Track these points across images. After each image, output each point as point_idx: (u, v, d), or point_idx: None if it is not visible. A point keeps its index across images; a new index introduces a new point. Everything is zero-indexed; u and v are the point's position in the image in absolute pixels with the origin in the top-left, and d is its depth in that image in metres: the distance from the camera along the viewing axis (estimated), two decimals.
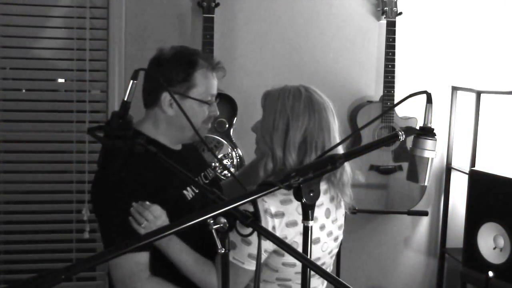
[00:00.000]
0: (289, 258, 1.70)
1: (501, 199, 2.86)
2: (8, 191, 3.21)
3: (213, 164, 2.89)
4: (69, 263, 0.99)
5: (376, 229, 3.53)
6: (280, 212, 1.67)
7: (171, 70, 1.81)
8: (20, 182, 3.21)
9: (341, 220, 1.87)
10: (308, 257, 1.21)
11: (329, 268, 1.91)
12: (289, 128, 1.72)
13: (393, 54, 3.19)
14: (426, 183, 1.40)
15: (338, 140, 1.77)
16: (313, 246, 1.31)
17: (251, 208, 1.19)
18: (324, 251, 1.79)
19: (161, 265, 1.76)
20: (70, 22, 3.11)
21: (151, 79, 1.84)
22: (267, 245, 1.68)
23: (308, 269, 1.25)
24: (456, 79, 3.44)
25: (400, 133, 1.33)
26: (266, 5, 3.25)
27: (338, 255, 2.42)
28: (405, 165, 3.20)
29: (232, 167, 3.07)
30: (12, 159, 3.20)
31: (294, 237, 1.68)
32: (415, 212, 2.74)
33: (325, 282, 1.92)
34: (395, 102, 3.20)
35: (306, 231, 1.23)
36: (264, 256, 1.70)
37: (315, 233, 1.72)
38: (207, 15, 3.01)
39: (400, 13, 3.22)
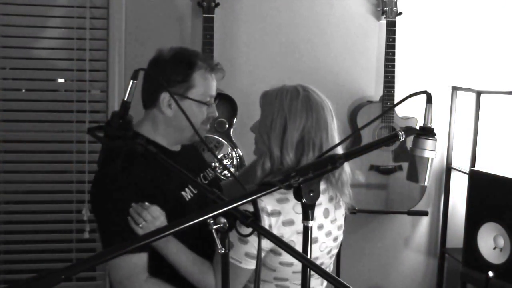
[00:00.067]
0: (286, 257, 1.70)
1: (501, 199, 2.86)
2: (8, 191, 3.21)
3: (213, 164, 2.89)
4: (69, 263, 0.98)
5: (376, 229, 3.53)
6: (276, 211, 1.67)
7: (170, 71, 1.81)
8: (20, 182, 3.21)
9: (340, 221, 1.87)
10: (308, 256, 1.21)
11: (329, 268, 1.91)
12: (287, 127, 1.72)
13: (393, 54, 3.19)
14: (426, 183, 1.40)
15: (336, 139, 1.77)
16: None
17: (251, 208, 1.19)
18: (322, 251, 1.79)
19: (159, 266, 1.76)
20: (70, 22, 3.11)
21: (150, 80, 1.85)
22: (264, 244, 1.67)
23: (308, 269, 1.25)
24: (456, 79, 3.44)
25: (400, 133, 1.33)
26: (266, 5, 3.25)
27: (338, 255, 2.42)
28: (405, 165, 3.20)
29: (232, 167, 3.07)
30: (12, 159, 3.20)
31: (290, 236, 1.68)
32: (415, 212, 2.74)
33: (325, 283, 1.92)
34: (395, 102, 3.20)
35: (306, 231, 1.22)
36: (261, 255, 1.69)
37: (313, 232, 1.71)
38: (207, 15, 3.01)
39: (400, 13, 3.22)
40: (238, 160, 3.09)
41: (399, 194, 3.28)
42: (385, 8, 3.21)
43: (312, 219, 1.22)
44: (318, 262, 1.78)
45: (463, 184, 3.30)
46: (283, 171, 1.73)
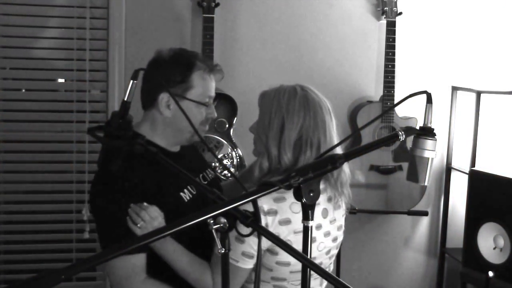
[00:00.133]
0: (283, 257, 1.70)
1: (501, 199, 2.86)
2: (8, 191, 3.21)
3: (213, 164, 2.89)
4: (69, 263, 0.98)
5: (376, 229, 3.53)
6: (273, 210, 1.67)
7: (168, 72, 1.82)
8: (20, 182, 3.21)
9: (340, 221, 1.86)
10: (308, 256, 1.20)
11: (329, 268, 1.91)
12: (284, 126, 1.73)
13: (393, 54, 3.19)
14: (426, 183, 1.40)
15: (334, 139, 1.77)
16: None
17: (251, 208, 1.19)
18: (320, 251, 1.78)
19: (158, 266, 1.77)
20: (70, 22, 3.11)
21: (148, 81, 1.85)
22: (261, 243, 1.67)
23: (308, 269, 1.25)
24: (456, 79, 3.44)
25: (400, 133, 1.33)
26: (266, 5, 3.25)
27: (338, 255, 2.42)
28: (405, 165, 3.20)
29: (232, 167, 3.07)
30: (12, 159, 3.20)
31: (287, 235, 1.67)
32: (415, 212, 2.73)
33: (324, 284, 1.91)
34: (395, 102, 3.20)
35: (306, 231, 1.22)
36: None
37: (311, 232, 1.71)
38: (207, 15, 3.01)
39: (400, 13, 3.22)
40: (238, 160, 3.09)
41: (399, 194, 3.28)
42: (385, 8, 3.21)
43: (312, 219, 1.22)
44: (316, 262, 1.78)
45: (463, 184, 3.30)
46: (281, 170, 1.73)
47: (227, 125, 3.10)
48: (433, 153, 1.37)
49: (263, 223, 1.65)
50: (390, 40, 3.19)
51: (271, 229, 1.66)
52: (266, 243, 1.67)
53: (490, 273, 2.69)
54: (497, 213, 2.87)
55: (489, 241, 2.91)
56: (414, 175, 1.39)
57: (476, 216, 2.97)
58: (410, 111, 3.24)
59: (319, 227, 1.76)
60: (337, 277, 1.07)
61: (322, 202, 1.77)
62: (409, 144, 1.42)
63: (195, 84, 1.83)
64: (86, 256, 1.00)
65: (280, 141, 1.73)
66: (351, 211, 2.04)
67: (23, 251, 3.22)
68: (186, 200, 1.86)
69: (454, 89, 3.42)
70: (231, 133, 3.11)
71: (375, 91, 3.37)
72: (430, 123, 1.37)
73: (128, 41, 3.13)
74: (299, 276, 1.73)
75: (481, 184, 2.96)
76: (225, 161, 3.06)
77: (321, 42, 3.32)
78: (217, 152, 3.04)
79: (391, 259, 3.59)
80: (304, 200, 1.19)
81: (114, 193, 1.74)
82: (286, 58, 3.30)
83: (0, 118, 3.16)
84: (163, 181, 1.80)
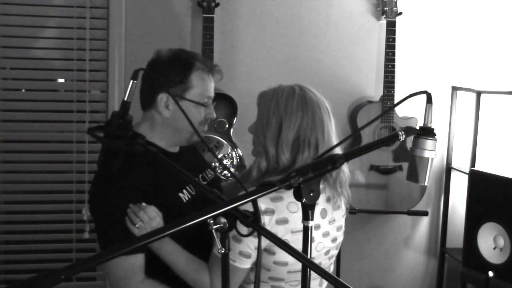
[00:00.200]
0: (280, 257, 1.70)
1: (501, 199, 2.86)
2: (8, 191, 3.21)
3: (213, 164, 2.89)
4: (69, 263, 0.98)
5: (376, 229, 3.53)
6: (270, 209, 1.67)
7: (167, 72, 1.82)
8: (20, 182, 3.21)
9: (340, 222, 1.86)
10: (308, 256, 1.20)
11: (329, 269, 1.90)
12: (282, 126, 1.72)
13: (393, 54, 3.19)
14: (426, 183, 1.39)
15: (333, 138, 1.77)
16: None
17: (251, 208, 1.19)
18: (319, 251, 1.78)
19: (156, 267, 1.77)
20: (70, 22, 3.11)
21: (147, 81, 1.85)
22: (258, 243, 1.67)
23: (308, 269, 1.25)
24: (456, 79, 3.44)
25: (400, 133, 1.33)
26: (266, 5, 3.25)
27: (338, 255, 2.41)
28: (405, 165, 3.20)
29: (232, 167, 3.07)
30: (12, 159, 3.20)
31: (284, 235, 1.67)
32: (415, 212, 2.73)
33: (323, 285, 1.91)
34: (395, 102, 3.20)
35: (306, 231, 1.22)
36: (256, 254, 1.69)
37: None
38: (207, 15, 3.01)
39: (400, 13, 3.22)
40: (238, 160, 3.09)
41: (399, 194, 3.28)
42: (385, 8, 3.21)
43: (312, 219, 1.22)
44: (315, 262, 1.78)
45: (463, 184, 3.30)
46: (279, 170, 1.73)
47: (227, 125, 3.10)
48: (433, 153, 1.37)
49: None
50: (390, 40, 3.19)
51: (268, 228, 1.65)
52: (263, 242, 1.67)
53: (490, 273, 2.69)
54: (497, 213, 2.87)
55: (489, 241, 2.91)
56: (414, 175, 1.39)
57: (476, 216, 2.97)
58: (410, 111, 3.23)
59: (317, 227, 1.76)
60: (337, 277, 1.07)
61: (321, 202, 1.77)
62: (409, 144, 1.42)
63: (194, 84, 1.83)
64: (86, 256, 1.00)
65: (278, 141, 1.73)
66: (351, 211, 2.04)
67: (23, 251, 3.22)
68: (185, 201, 1.86)
69: (454, 89, 3.42)
70: (231, 133, 3.11)
71: (375, 91, 3.37)
72: (430, 123, 1.37)
73: (128, 41, 3.13)
74: (297, 276, 1.74)
75: (481, 184, 2.96)
76: (225, 161, 3.06)
77: (321, 41, 3.32)
78: (217, 152, 3.04)
79: (391, 259, 3.59)
80: (304, 200, 1.19)
81: (114, 193, 1.74)
82: (286, 58, 3.30)
83: (0, 118, 3.16)
84: (162, 182, 1.80)
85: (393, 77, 3.20)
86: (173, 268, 1.75)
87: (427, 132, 1.36)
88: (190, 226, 1.06)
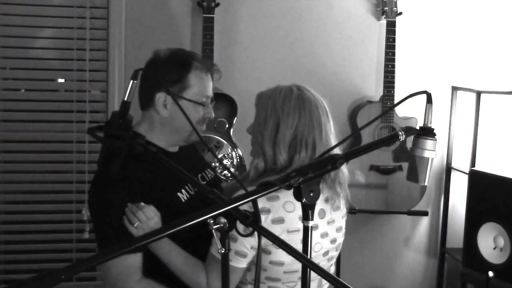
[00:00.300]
0: (276, 256, 1.69)
1: (501, 199, 2.86)
2: (8, 191, 3.21)
3: (213, 164, 2.89)
4: (69, 263, 0.98)
5: (376, 229, 3.53)
6: (266, 209, 1.66)
7: (165, 71, 1.82)
8: (20, 182, 3.21)
9: (339, 223, 1.85)
10: (308, 257, 1.20)
11: (328, 271, 1.89)
12: (279, 126, 1.72)
13: (393, 54, 3.19)
14: (426, 183, 1.39)
15: (331, 138, 1.76)
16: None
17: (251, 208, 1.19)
18: (317, 252, 1.77)
19: (154, 266, 1.76)
20: (70, 22, 3.11)
21: (146, 80, 1.85)
22: (253, 242, 1.66)
23: (308, 270, 1.24)
24: (456, 79, 3.44)
25: (400, 133, 1.33)
26: (266, 5, 3.25)
27: (338, 255, 2.41)
28: (405, 165, 3.20)
29: (232, 167, 3.07)
30: (12, 159, 3.20)
31: (280, 234, 1.66)
32: (415, 212, 2.73)
33: (325, 287, 1.90)
34: (395, 102, 3.20)
35: (306, 231, 1.22)
36: (252, 253, 1.69)
37: None
38: (207, 15, 3.01)
39: (400, 13, 3.22)
40: (238, 160, 3.09)
41: (399, 194, 3.28)
42: (385, 8, 3.21)
43: (312, 219, 1.22)
44: None
45: (463, 184, 3.30)
46: (276, 170, 1.73)
47: (227, 125, 3.10)
48: (433, 153, 1.37)
49: None
50: (390, 40, 3.19)
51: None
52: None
53: (490, 273, 2.69)
54: (497, 213, 2.87)
55: (489, 241, 2.91)
56: (414, 175, 1.39)
57: (476, 216, 2.97)
58: (410, 111, 3.23)
59: (315, 227, 1.75)
60: (337, 277, 1.07)
61: (319, 203, 1.76)
62: (409, 144, 1.42)
63: (192, 83, 1.83)
64: (86, 256, 1.00)
65: (275, 141, 1.72)
66: (351, 211, 2.04)
67: (23, 251, 3.22)
68: (183, 201, 1.86)
69: (454, 89, 3.42)
70: (231, 133, 3.11)
71: (375, 91, 3.37)
72: (430, 123, 1.37)
73: (128, 41, 3.13)
74: (293, 277, 1.74)
75: (481, 184, 2.96)
76: (225, 161, 3.06)
77: (321, 42, 3.32)
78: (217, 152, 3.04)
79: (391, 259, 3.59)
80: (304, 200, 1.19)
81: (113, 193, 1.74)
82: (286, 58, 3.30)
83: (0, 118, 3.16)
84: (161, 181, 1.80)
85: (393, 77, 3.19)
86: (171, 268, 1.75)
87: (427, 132, 1.36)
88: (190, 226, 1.06)
